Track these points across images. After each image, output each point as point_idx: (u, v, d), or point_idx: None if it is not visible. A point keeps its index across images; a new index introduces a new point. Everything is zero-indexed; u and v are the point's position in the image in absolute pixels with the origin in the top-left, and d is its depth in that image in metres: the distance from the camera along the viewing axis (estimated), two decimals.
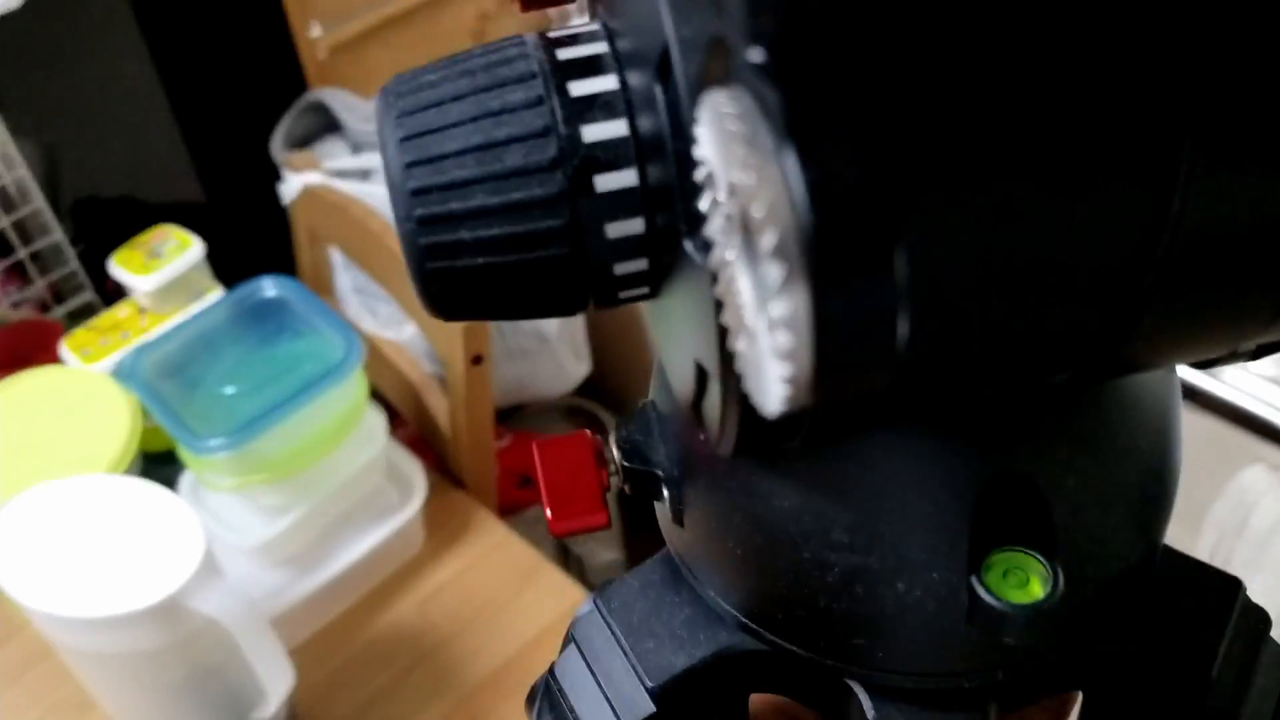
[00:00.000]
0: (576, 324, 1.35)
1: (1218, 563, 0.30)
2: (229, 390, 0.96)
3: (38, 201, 1.14)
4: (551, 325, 1.28)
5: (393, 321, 1.19)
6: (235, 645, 0.80)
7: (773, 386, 0.16)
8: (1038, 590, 0.23)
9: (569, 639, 0.31)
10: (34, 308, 1.21)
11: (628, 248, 0.21)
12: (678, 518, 0.27)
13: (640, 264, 0.22)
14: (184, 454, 0.95)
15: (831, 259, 0.15)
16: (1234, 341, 0.21)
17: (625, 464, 0.27)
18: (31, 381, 0.99)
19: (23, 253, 1.14)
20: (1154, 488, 0.25)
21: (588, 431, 0.28)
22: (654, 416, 0.28)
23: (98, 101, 1.33)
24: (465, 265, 0.21)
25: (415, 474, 1.05)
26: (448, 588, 1.05)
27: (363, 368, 0.95)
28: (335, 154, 1.23)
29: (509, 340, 1.27)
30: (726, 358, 0.19)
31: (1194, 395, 1.08)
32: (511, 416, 1.43)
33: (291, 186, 1.15)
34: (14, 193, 1.12)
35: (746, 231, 0.16)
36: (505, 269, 0.21)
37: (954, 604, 0.24)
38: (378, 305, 1.20)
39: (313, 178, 1.15)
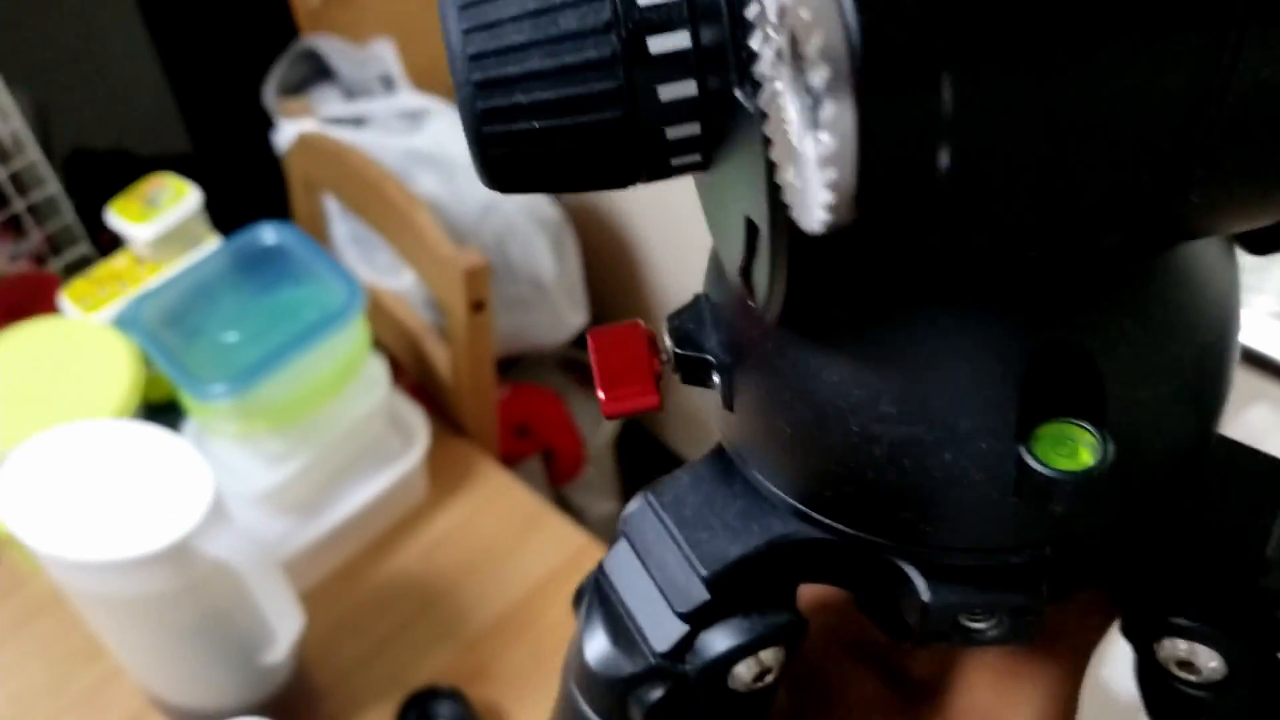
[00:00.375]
0: (574, 274, 1.35)
1: None
2: (230, 337, 0.96)
3: (33, 154, 1.13)
4: (548, 274, 1.27)
5: (390, 270, 1.19)
6: (245, 588, 0.80)
7: (817, 197, 0.16)
8: (1087, 459, 0.23)
9: (619, 535, 0.31)
10: (30, 261, 1.20)
11: (681, 111, 0.21)
12: (728, 403, 0.27)
13: (693, 128, 0.21)
14: (187, 401, 0.94)
15: (877, 66, 0.15)
16: (1271, 216, 0.22)
17: (677, 350, 0.27)
18: (31, 332, 0.98)
19: (19, 205, 1.13)
20: (1210, 366, 0.25)
21: (640, 321, 0.28)
22: (706, 306, 0.28)
23: (86, 54, 1.32)
24: (521, 129, 0.21)
25: (417, 422, 1.05)
26: (451, 535, 1.05)
27: (364, 314, 0.95)
28: (329, 101, 1.22)
29: (506, 290, 1.27)
30: (775, 202, 0.19)
31: None
32: (508, 369, 1.43)
33: (286, 134, 1.14)
34: (9, 144, 1.11)
35: (796, 59, 0.16)
36: (559, 133, 0.21)
37: (1002, 474, 0.24)
38: (375, 254, 1.19)
39: (307, 125, 1.14)
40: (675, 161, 0.22)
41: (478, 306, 1.03)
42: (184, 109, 1.42)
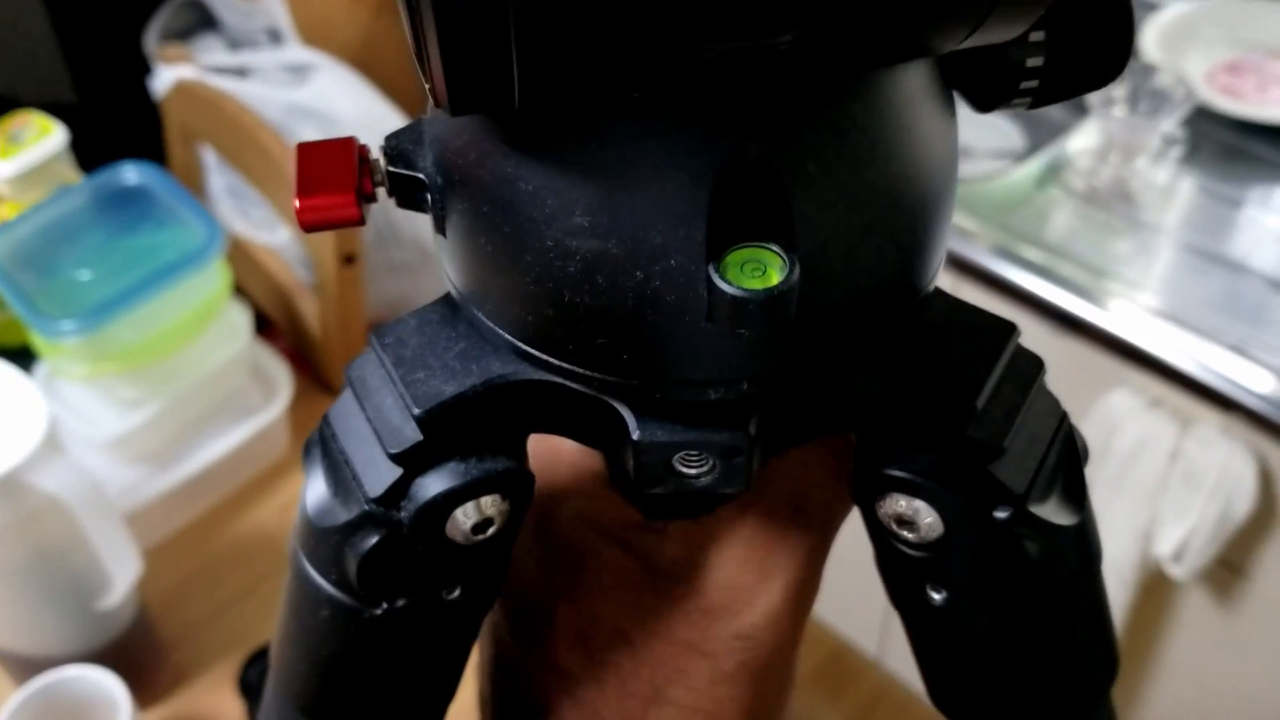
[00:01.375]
0: None
1: None
2: (84, 276, 0.93)
3: None
4: (431, 238, 1.26)
5: (266, 225, 1.16)
6: (79, 528, 0.77)
7: None
8: (775, 280, 0.22)
9: (345, 381, 0.30)
10: None
11: None
12: (439, 225, 0.26)
13: None
14: (36, 340, 0.91)
15: None
16: (954, 27, 0.21)
17: (390, 169, 0.26)
18: None
19: None
20: (910, 206, 0.25)
21: (355, 137, 0.27)
22: (425, 129, 0.27)
23: None
24: None
25: (281, 375, 1.02)
26: None
27: (226, 258, 0.93)
28: (212, 50, 1.19)
29: (391, 254, 1.25)
30: None
31: (1074, 324, 1.11)
32: None
33: (163, 80, 1.12)
34: None
35: None
36: None
37: (694, 296, 0.23)
38: (250, 208, 1.17)
39: (186, 71, 1.11)
40: None
41: (349, 260, 1.01)
42: (69, 58, 1.38)
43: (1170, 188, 1.26)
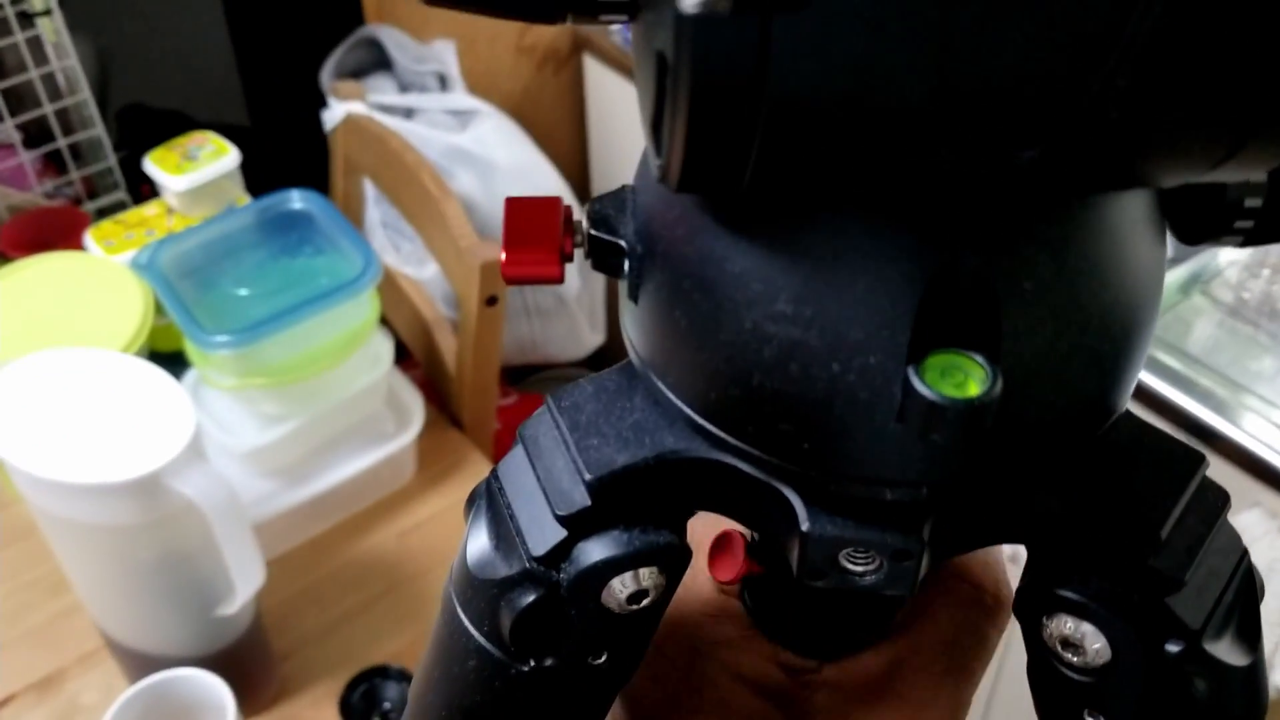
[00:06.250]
0: (596, 293, 1.35)
1: None
2: (242, 292, 0.97)
3: (83, 93, 1.15)
4: (572, 288, 1.28)
5: (415, 260, 1.19)
6: (210, 534, 0.80)
7: None
8: (974, 391, 0.22)
9: (517, 439, 0.30)
10: (67, 201, 1.22)
11: None
12: (633, 292, 0.27)
13: None
14: (190, 349, 0.95)
15: None
16: (1198, 162, 0.21)
17: (592, 231, 0.27)
18: (51, 264, 1.00)
19: (61, 142, 1.16)
20: (1118, 332, 0.25)
21: (560, 197, 0.28)
22: (630, 195, 0.28)
23: (156, 14, 1.35)
24: None
25: (415, 405, 1.05)
26: (430, 522, 1.05)
27: (376, 288, 0.96)
28: (383, 90, 1.24)
29: (529, 298, 1.27)
30: (681, 20, 0.18)
31: (1208, 436, 1.07)
32: (522, 378, 1.43)
33: (335, 113, 1.16)
34: (61, 81, 1.13)
35: None
36: None
37: (887, 395, 0.23)
38: (402, 242, 1.20)
39: (356, 107, 1.15)
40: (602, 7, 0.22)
41: (490, 301, 1.03)
42: (246, 82, 1.45)
43: None
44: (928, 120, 0.20)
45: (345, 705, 0.90)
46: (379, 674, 0.90)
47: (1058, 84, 0.19)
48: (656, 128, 0.22)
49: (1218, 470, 1.07)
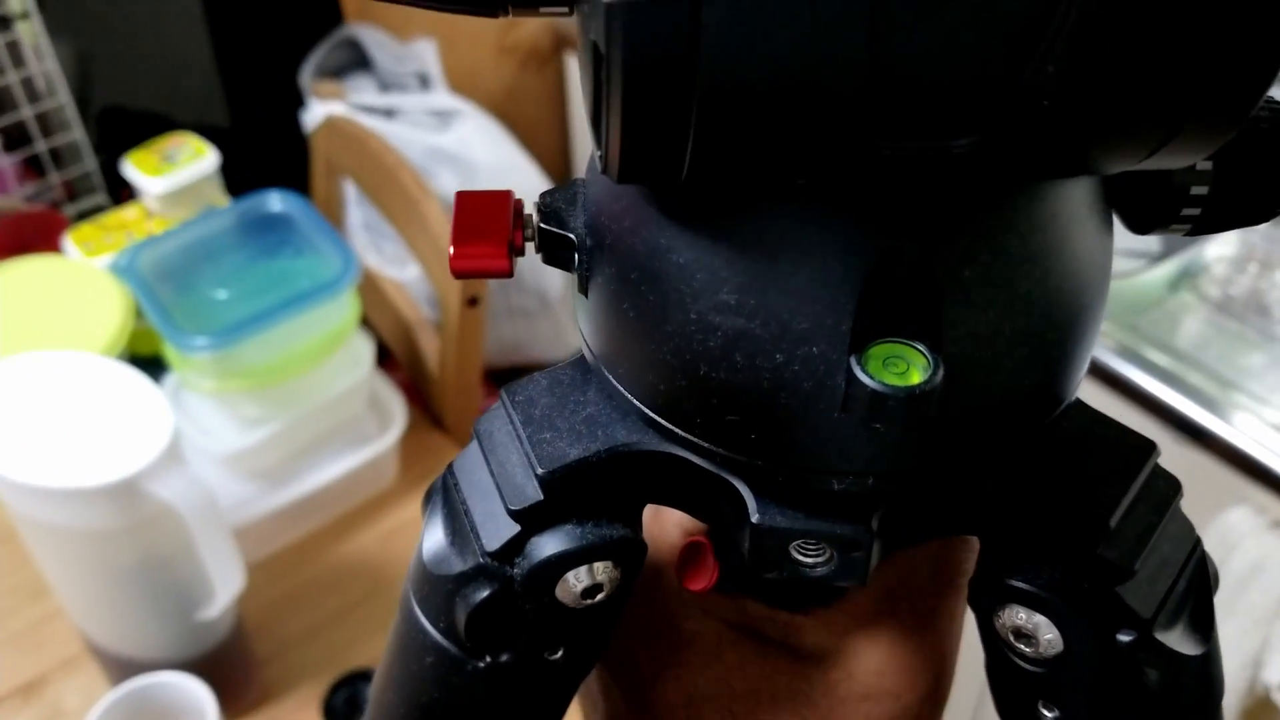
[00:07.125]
0: None
1: None
2: (221, 295, 0.96)
3: (62, 97, 1.15)
4: (555, 289, 1.28)
5: (397, 261, 1.19)
6: (190, 538, 0.80)
7: None
8: (916, 380, 0.22)
9: (472, 436, 0.30)
10: (47, 205, 1.21)
11: None
12: (583, 285, 0.27)
13: None
14: (169, 352, 0.95)
15: None
16: (1134, 148, 0.21)
17: (541, 225, 0.27)
18: (30, 268, 0.99)
19: (41, 146, 1.15)
20: (1062, 320, 0.25)
21: (511, 191, 0.28)
22: (580, 189, 0.28)
23: (136, 16, 1.34)
24: None
25: (397, 407, 1.05)
26: (413, 525, 1.04)
27: (357, 289, 0.95)
28: (363, 90, 1.23)
29: (512, 299, 1.27)
30: (612, 9, 0.18)
31: (1196, 432, 1.07)
32: (505, 380, 1.43)
33: (315, 114, 1.16)
34: (40, 85, 1.13)
35: None
36: None
37: (831, 385, 0.23)
38: (384, 243, 1.20)
39: (336, 107, 1.15)
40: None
41: (472, 302, 1.03)
42: (227, 84, 1.44)
43: None
44: (862, 109, 0.20)
45: (328, 709, 0.90)
46: (361, 678, 0.90)
47: (989, 72, 0.19)
48: (596, 119, 0.22)
49: (1206, 467, 1.08)
